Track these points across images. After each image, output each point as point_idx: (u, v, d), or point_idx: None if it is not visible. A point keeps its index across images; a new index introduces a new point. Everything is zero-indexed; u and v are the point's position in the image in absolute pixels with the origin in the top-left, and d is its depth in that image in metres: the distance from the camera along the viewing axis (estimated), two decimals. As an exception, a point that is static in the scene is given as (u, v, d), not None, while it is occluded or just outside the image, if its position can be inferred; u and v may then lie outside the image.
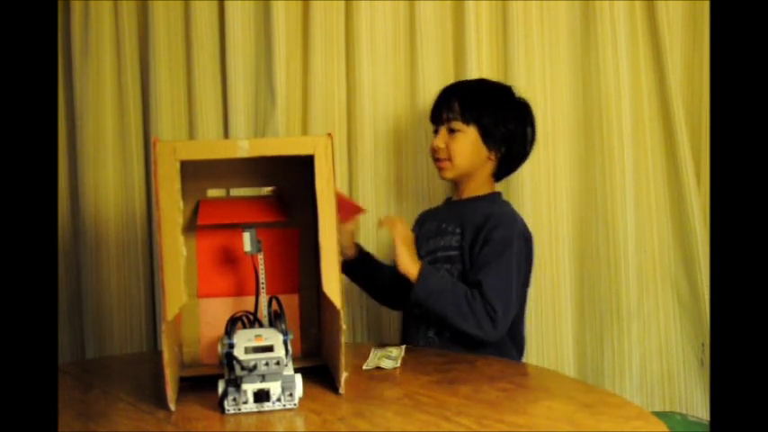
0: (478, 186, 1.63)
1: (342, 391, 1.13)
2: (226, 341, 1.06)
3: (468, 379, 1.23)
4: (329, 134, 1.15)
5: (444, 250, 1.57)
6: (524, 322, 1.64)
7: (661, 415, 1.67)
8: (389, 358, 1.31)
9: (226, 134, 1.93)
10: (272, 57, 1.86)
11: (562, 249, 1.83)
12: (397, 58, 1.90)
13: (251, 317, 1.18)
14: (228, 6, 1.89)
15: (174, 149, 1.12)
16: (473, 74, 1.81)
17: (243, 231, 1.18)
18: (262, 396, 1.06)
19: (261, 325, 1.16)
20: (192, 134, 1.94)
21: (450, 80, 1.87)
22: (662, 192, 1.84)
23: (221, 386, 1.08)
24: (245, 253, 1.18)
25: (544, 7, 1.84)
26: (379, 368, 1.27)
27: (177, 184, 1.11)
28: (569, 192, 1.85)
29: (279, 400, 1.06)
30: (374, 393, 1.14)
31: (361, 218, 1.72)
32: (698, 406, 1.82)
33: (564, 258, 1.83)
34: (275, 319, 1.13)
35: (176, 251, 1.10)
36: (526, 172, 1.81)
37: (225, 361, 1.06)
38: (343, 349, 1.10)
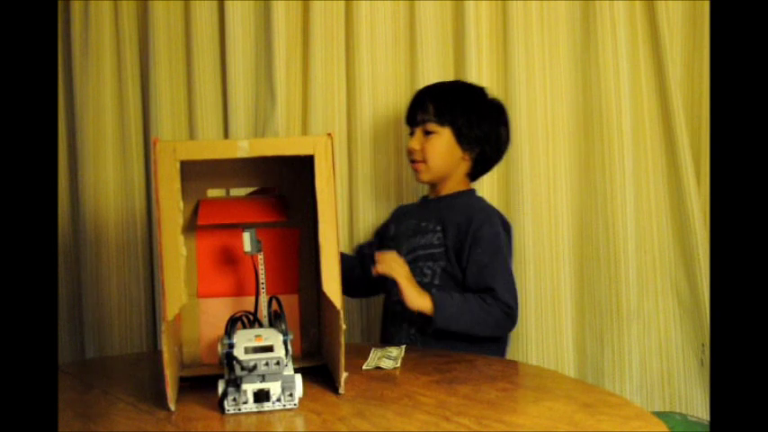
0: (454, 185, 1.65)
1: (342, 391, 1.13)
2: (226, 341, 1.06)
3: (468, 379, 1.23)
4: (329, 134, 1.15)
5: (425, 248, 1.58)
6: None
7: (661, 415, 1.67)
8: (389, 358, 1.31)
9: (226, 134, 1.93)
10: (272, 57, 1.86)
11: (562, 249, 1.83)
12: (397, 58, 1.90)
13: (251, 317, 1.18)
14: (228, 6, 1.89)
15: (174, 149, 1.12)
16: (473, 74, 1.81)
17: (243, 231, 1.18)
18: (262, 396, 1.06)
19: (261, 325, 1.16)
20: (192, 134, 1.94)
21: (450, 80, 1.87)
22: (662, 192, 1.84)
23: (221, 386, 1.08)
24: (245, 253, 1.18)
25: (544, 7, 1.84)
26: (379, 368, 1.27)
27: (177, 184, 1.11)
28: (569, 192, 1.85)
29: (279, 400, 1.06)
30: (374, 393, 1.14)
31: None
32: (698, 406, 1.82)
33: (564, 258, 1.83)
34: (275, 319, 1.13)
35: (176, 251, 1.10)
36: (526, 172, 1.81)
37: (225, 361, 1.06)
38: (343, 349, 1.10)
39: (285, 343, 1.07)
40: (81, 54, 1.96)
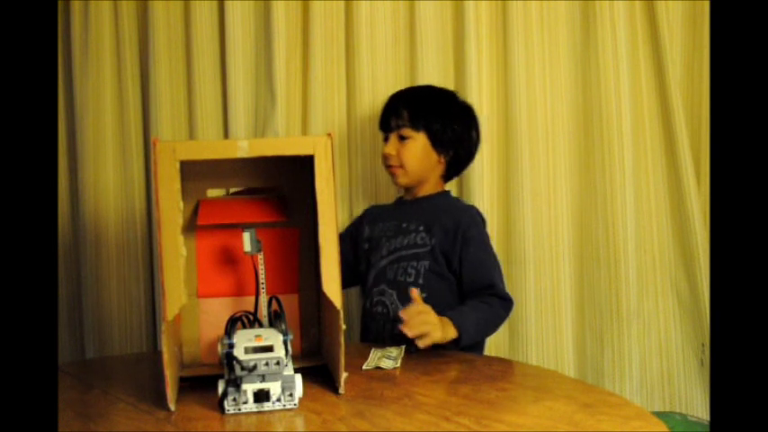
0: (430, 188, 1.68)
1: (342, 391, 1.13)
2: (226, 341, 1.06)
3: (468, 379, 1.23)
4: (329, 134, 1.15)
5: (408, 248, 1.60)
6: None
7: (661, 415, 1.67)
8: (389, 358, 1.31)
9: (226, 134, 1.92)
10: (272, 57, 1.86)
11: (562, 249, 1.83)
12: (397, 58, 1.90)
13: (251, 317, 1.18)
14: (228, 6, 1.89)
15: (173, 149, 1.12)
16: (473, 74, 1.81)
17: (243, 231, 1.18)
18: (262, 396, 1.06)
19: (261, 325, 1.16)
20: (192, 134, 1.94)
21: (450, 80, 1.87)
22: (662, 192, 1.84)
23: (221, 386, 1.08)
24: (245, 253, 1.18)
25: (544, 7, 1.84)
26: (379, 368, 1.28)
27: (177, 184, 1.11)
28: (569, 192, 1.85)
29: (279, 400, 1.06)
30: (374, 393, 1.14)
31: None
32: (698, 406, 1.82)
33: (564, 258, 1.83)
34: (275, 319, 1.13)
35: (176, 251, 1.10)
36: (526, 172, 1.81)
37: (225, 361, 1.06)
38: (343, 349, 1.10)
39: (285, 343, 1.07)
40: (81, 54, 1.96)
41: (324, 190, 1.13)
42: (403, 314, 1.33)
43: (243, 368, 1.04)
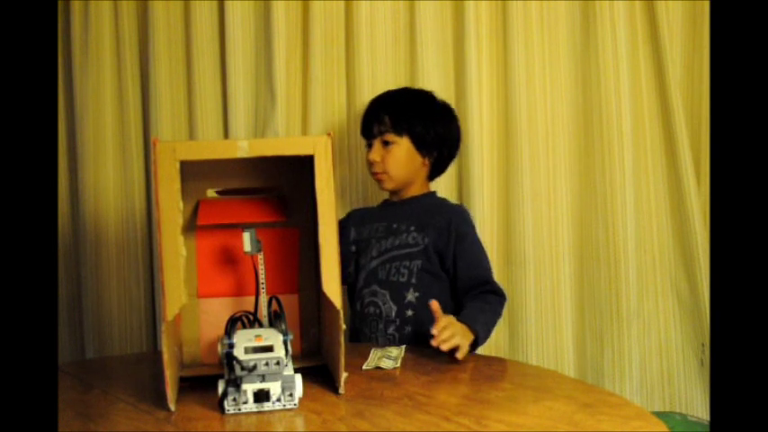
0: (417, 189, 1.69)
1: (342, 391, 1.13)
2: (226, 341, 1.06)
3: (468, 379, 1.23)
4: (329, 134, 1.15)
5: (400, 248, 1.61)
6: None
7: (661, 415, 1.67)
8: (389, 358, 1.31)
9: (226, 134, 1.92)
10: (272, 57, 1.86)
11: (562, 249, 1.83)
12: (397, 58, 1.90)
13: (251, 317, 1.18)
14: (228, 6, 1.89)
15: (173, 149, 1.12)
16: (473, 74, 1.81)
17: (243, 231, 1.18)
18: (262, 396, 1.06)
19: (261, 325, 1.16)
20: (192, 134, 1.94)
21: (451, 80, 1.88)
22: (662, 192, 1.84)
23: (221, 386, 1.08)
24: (245, 253, 1.18)
25: (544, 7, 1.84)
26: (379, 368, 1.28)
27: (177, 184, 1.11)
28: (569, 192, 1.85)
29: (279, 400, 1.06)
30: (374, 393, 1.14)
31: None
32: (698, 406, 1.82)
33: (564, 258, 1.83)
34: (275, 319, 1.13)
35: (176, 251, 1.10)
36: (526, 172, 1.81)
37: (225, 361, 1.06)
38: (343, 349, 1.10)
39: (285, 343, 1.07)
40: (81, 54, 1.95)
41: (324, 190, 1.13)
42: (434, 331, 1.31)
43: (243, 368, 1.04)
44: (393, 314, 1.57)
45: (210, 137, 1.93)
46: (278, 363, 1.04)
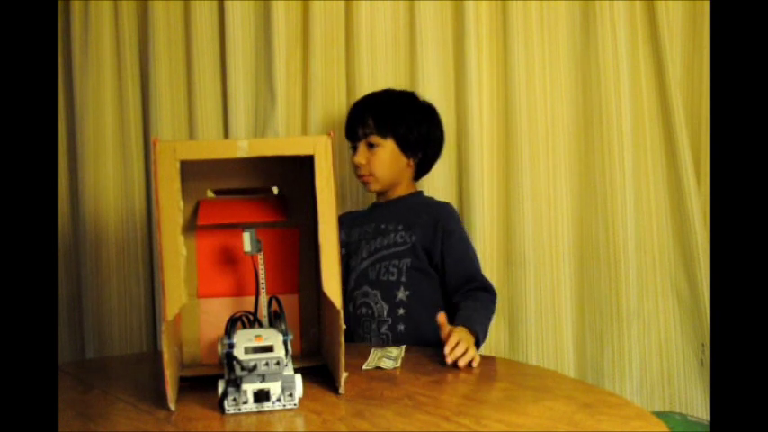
0: (403, 190, 1.71)
1: (342, 391, 1.13)
2: (226, 341, 1.06)
3: (468, 379, 1.23)
4: (329, 134, 1.15)
5: (389, 248, 1.62)
6: None
7: (661, 415, 1.67)
8: (389, 358, 1.31)
9: (226, 134, 1.92)
10: (272, 57, 1.86)
11: (562, 250, 1.83)
12: (397, 59, 1.90)
13: (251, 317, 1.18)
14: (228, 6, 1.89)
15: (174, 149, 1.12)
16: (473, 74, 1.81)
17: (243, 231, 1.18)
18: (262, 396, 1.06)
19: (261, 325, 1.16)
20: (192, 134, 1.94)
21: (451, 80, 1.88)
22: (662, 192, 1.84)
23: (221, 386, 1.08)
24: (245, 253, 1.18)
25: (544, 7, 1.84)
26: (379, 368, 1.28)
27: (177, 184, 1.11)
28: (569, 192, 1.85)
29: (279, 400, 1.06)
30: (374, 393, 1.14)
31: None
32: (698, 406, 1.82)
33: (564, 258, 1.83)
34: (275, 319, 1.13)
35: (176, 251, 1.10)
36: (526, 172, 1.81)
37: (225, 361, 1.06)
38: (342, 349, 1.10)
39: (285, 343, 1.07)
40: (81, 54, 1.96)
41: (324, 190, 1.13)
42: (447, 350, 1.28)
43: (243, 368, 1.04)
44: (385, 313, 1.59)
45: (210, 137, 1.93)
46: (278, 363, 1.04)
